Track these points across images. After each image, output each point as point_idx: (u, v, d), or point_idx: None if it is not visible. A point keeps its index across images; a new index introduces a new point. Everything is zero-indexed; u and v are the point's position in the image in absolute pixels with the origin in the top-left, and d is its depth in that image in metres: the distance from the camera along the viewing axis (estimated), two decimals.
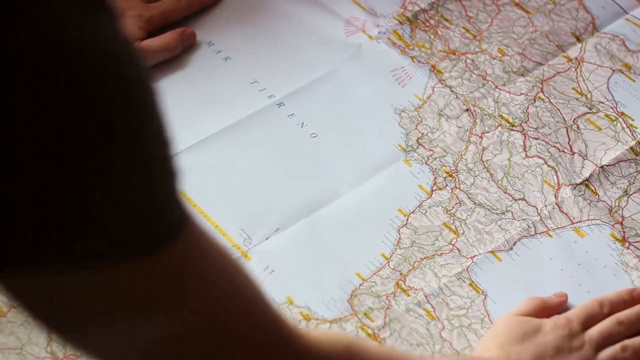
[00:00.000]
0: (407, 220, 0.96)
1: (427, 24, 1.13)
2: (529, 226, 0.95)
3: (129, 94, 0.48)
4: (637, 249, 0.93)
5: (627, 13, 1.13)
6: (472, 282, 0.92)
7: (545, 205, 0.96)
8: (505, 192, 0.98)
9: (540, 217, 0.96)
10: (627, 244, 0.93)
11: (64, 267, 0.48)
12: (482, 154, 1.01)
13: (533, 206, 0.96)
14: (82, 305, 0.52)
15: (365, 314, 0.90)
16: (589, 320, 0.86)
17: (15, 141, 0.44)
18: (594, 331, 0.85)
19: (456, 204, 0.97)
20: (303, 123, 1.05)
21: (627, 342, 0.86)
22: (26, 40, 0.43)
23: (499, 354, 0.83)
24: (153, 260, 0.51)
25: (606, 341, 0.85)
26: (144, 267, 0.51)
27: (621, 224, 0.95)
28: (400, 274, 0.92)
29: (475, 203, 0.97)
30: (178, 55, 1.11)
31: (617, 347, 0.85)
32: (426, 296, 0.91)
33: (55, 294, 0.51)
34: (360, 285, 0.92)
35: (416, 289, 0.91)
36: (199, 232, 0.55)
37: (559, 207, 0.96)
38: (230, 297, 0.58)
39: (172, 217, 0.52)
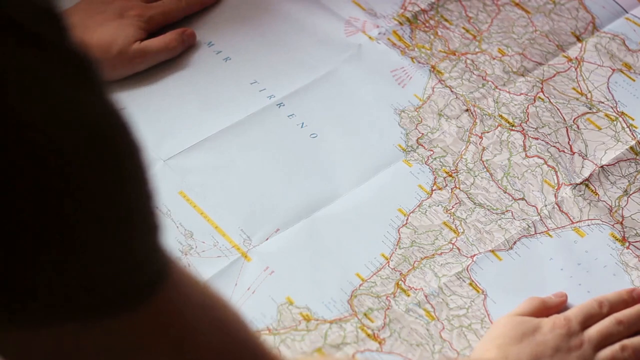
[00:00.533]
0: (407, 220, 0.96)
1: (427, 24, 1.13)
2: (528, 226, 0.95)
3: (114, 157, 0.48)
4: (637, 248, 0.93)
5: (627, 12, 1.13)
6: (472, 281, 0.91)
7: (545, 205, 0.96)
8: (505, 192, 0.97)
9: (540, 216, 0.95)
10: (627, 244, 0.93)
11: (50, 322, 0.48)
12: (482, 154, 1.01)
13: (533, 206, 0.96)
14: None
15: (365, 314, 0.90)
16: (588, 320, 0.86)
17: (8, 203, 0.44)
18: (593, 331, 0.85)
19: (456, 203, 0.97)
20: (303, 123, 1.05)
21: (627, 341, 0.86)
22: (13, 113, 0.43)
23: (497, 354, 0.82)
24: (139, 313, 0.51)
25: (606, 341, 0.85)
26: (129, 320, 0.51)
27: (621, 223, 0.95)
28: (400, 274, 0.92)
29: (475, 203, 0.97)
30: (178, 55, 1.11)
31: (616, 346, 0.85)
32: (426, 296, 0.90)
33: (42, 350, 0.51)
34: (360, 285, 0.92)
35: (416, 289, 0.91)
36: (182, 278, 0.55)
37: (559, 207, 0.96)
38: (217, 338, 0.58)
39: (154, 269, 0.52)
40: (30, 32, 0.44)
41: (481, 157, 1.00)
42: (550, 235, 0.94)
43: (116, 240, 0.48)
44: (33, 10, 0.44)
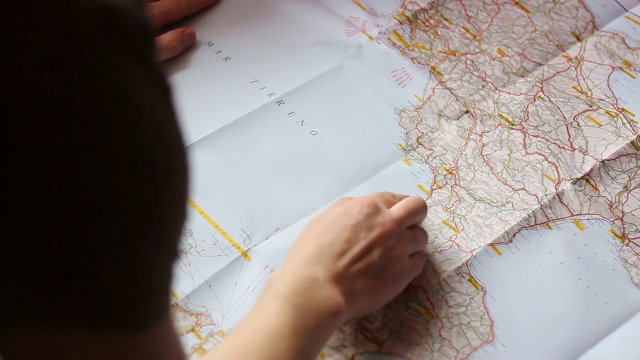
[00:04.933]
0: None
1: (427, 23, 1.13)
2: (529, 216, 0.95)
3: (179, 180, 0.51)
4: (637, 245, 0.93)
5: (626, 11, 1.13)
6: (472, 277, 0.91)
7: (546, 195, 0.96)
8: (505, 184, 0.97)
9: (541, 205, 0.95)
10: (626, 241, 0.93)
11: (52, 325, 0.49)
12: (481, 149, 1.01)
13: (533, 195, 0.96)
14: None
15: (364, 316, 0.89)
16: (386, 204, 0.89)
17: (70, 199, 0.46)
18: (399, 207, 0.88)
19: (456, 201, 0.97)
20: (303, 121, 1.05)
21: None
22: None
23: (313, 249, 0.84)
24: (124, 339, 0.52)
25: (412, 218, 0.89)
26: (116, 342, 0.52)
27: (621, 219, 0.95)
28: None
29: (475, 198, 0.97)
30: (178, 55, 1.11)
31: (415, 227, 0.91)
32: (425, 293, 0.90)
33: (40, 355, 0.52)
34: None
35: (415, 287, 0.91)
36: (174, 327, 0.56)
37: (559, 198, 0.96)
38: None
39: (160, 304, 0.53)
40: (141, 52, 0.48)
41: (481, 152, 1.00)
42: (550, 227, 0.94)
43: (151, 257, 0.51)
44: (141, 31, 0.48)
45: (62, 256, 0.47)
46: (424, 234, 0.91)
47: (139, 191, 0.48)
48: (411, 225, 0.90)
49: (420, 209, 0.90)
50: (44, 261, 0.47)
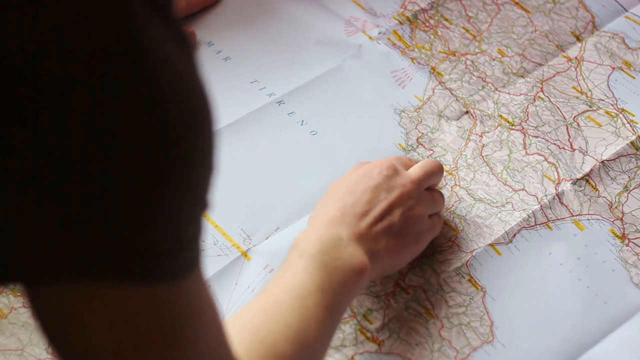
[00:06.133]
0: None
1: (427, 23, 1.13)
2: (529, 216, 0.95)
3: (197, 122, 0.51)
4: (637, 245, 0.93)
5: (626, 11, 1.13)
6: (472, 277, 0.91)
7: (546, 195, 0.96)
8: (505, 184, 0.97)
9: (541, 205, 0.95)
10: (626, 241, 0.93)
11: (90, 280, 0.50)
12: (481, 150, 1.01)
13: (533, 195, 0.96)
14: (93, 323, 0.53)
15: (364, 315, 0.89)
16: (404, 166, 0.91)
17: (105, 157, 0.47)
18: (417, 168, 0.90)
19: (456, 201, 0.97)
20: (303, 121, 1.05)
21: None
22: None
23: (335, 212, 0.85)
24: (153, 290, 0.52)
25: (428, 179, 0.90)
26: (146, 293, 0.52)
27: (621, 220, 0.95)
28: (400, 272, 0.92)
29: (475, 199, 0.97)
30: None
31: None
32: (425, 293, 0.90)
33: (73, 310, 0.52)
34: None
35: (415, 287, 0.91)
36: (202, 280, 0.57)
37: (559, 199, 0.96)
38: (209, 338, 0.59)
39: (191, 254, 0.54)
40: (160, 5, 0.49)
41: (481, 153, 1.00)
42: (549, 228, 0.94)
43: (183, 210, 0.51)
44: None
45: (89, 208, 0.47)
46: (441, 195, 0.93)
47: (155, 140, 0.48)
48: (428, 187, 0.91)
49: (437, 170, 0.92)
50: (79, 215, 0.47)
